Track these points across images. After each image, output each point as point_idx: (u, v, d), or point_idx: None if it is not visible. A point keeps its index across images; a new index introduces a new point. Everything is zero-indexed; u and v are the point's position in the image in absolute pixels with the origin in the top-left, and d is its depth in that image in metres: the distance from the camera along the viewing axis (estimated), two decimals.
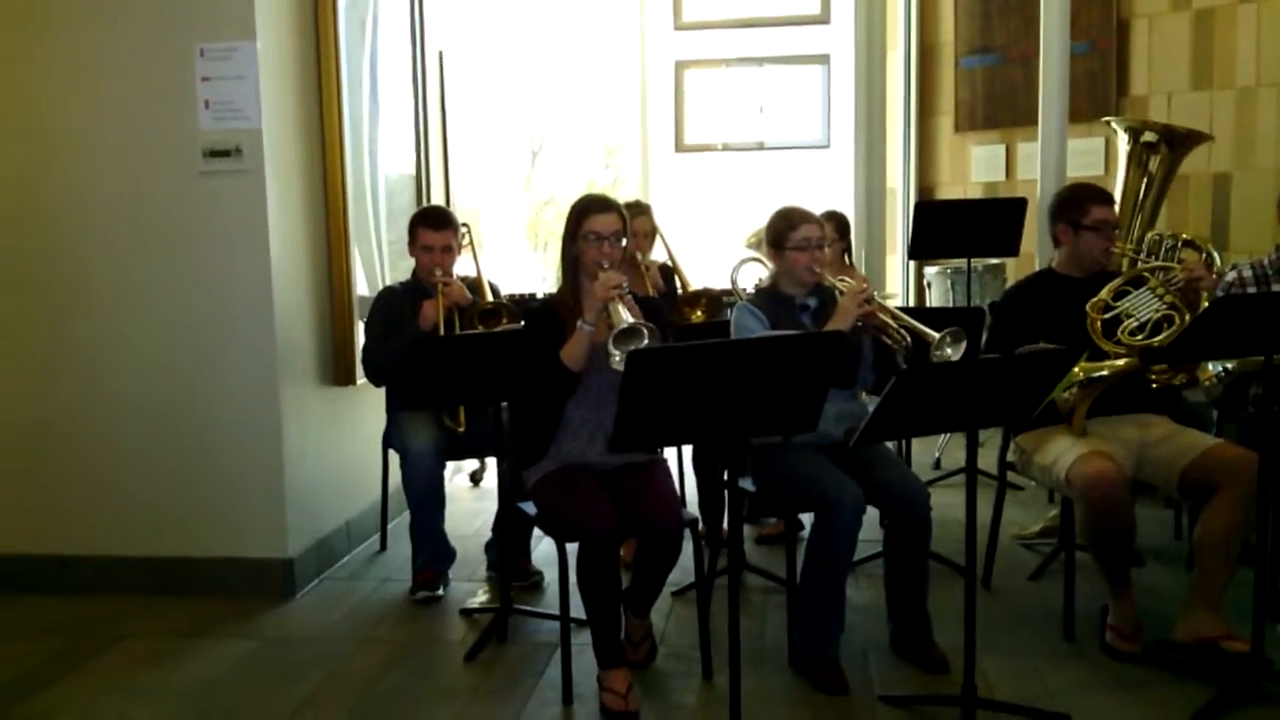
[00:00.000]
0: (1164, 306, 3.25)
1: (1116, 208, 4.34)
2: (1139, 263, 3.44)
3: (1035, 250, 5.13)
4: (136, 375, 3.94)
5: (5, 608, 3.90)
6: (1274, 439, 2.94)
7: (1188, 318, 3.18)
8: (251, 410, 3.90)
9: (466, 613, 3.76)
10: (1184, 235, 3.89)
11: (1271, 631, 3.13)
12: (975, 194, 6.53)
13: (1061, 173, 4.98)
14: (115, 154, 3.85)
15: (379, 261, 4.68)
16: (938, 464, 5.41)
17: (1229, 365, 3.59)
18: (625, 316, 2.88)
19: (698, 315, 4.47)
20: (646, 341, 2.79)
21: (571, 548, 3.03)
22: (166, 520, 3.98)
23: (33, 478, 4.05)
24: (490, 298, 4.09)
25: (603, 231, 3.12)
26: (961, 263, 5.40)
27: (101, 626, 3.70)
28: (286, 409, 3.93)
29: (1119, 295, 3.32)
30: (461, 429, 3.92)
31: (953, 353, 2.97)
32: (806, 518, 3.31)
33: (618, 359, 2.82)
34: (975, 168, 6.63)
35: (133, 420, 3.96)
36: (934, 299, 6.03)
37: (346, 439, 4.42)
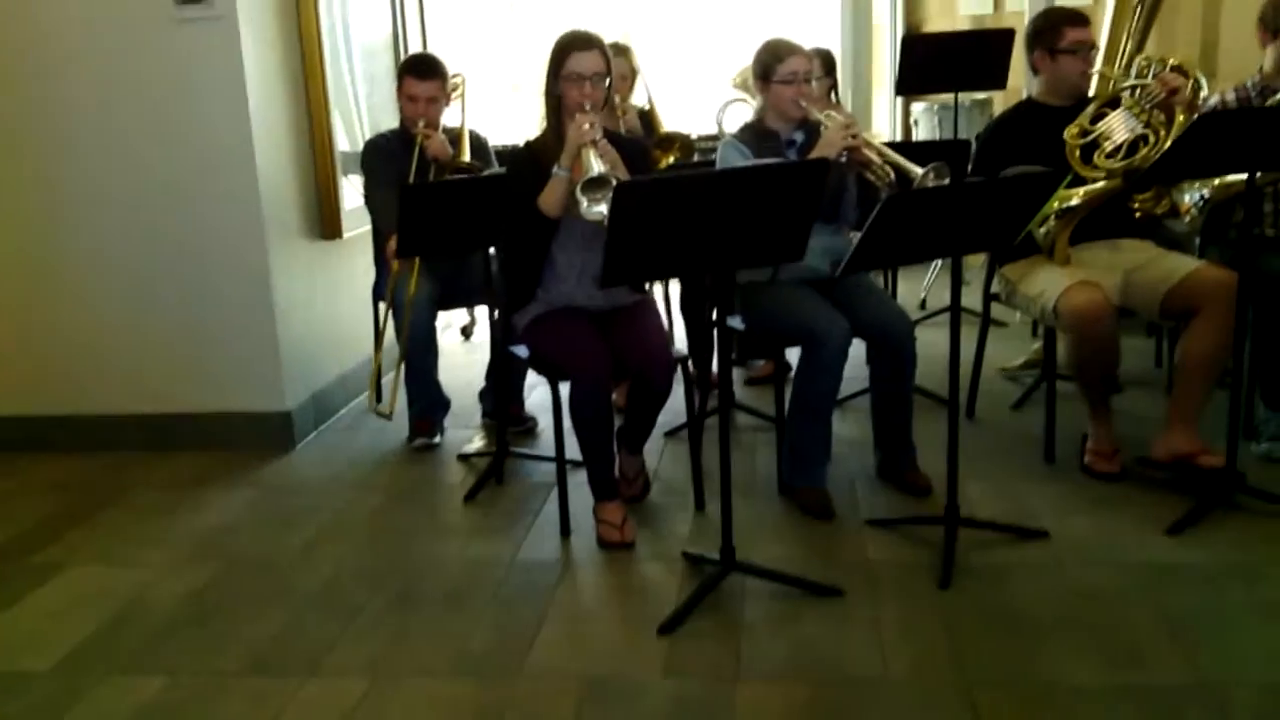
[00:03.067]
0: (1140, 125, 3.24)
1: (1105, 33, 4.28)
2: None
3: (1023, 83, 5.07)
4: (121, 232, 3.93)
5: (7, 467, 3.97)
6: (1253, 260, 2.97)
7: (1163, 134, 3.17)
8: (241, 265, 3.90)
9: (464, 458, 3.84)
10: (1172, 60, 3.83)
11: (1245, 447, 3.22)
12: (963, 28, 6.39)
13: (1050, 2, 4.88)
14: (86, 1, 3.75)
15: (358, 122, 4.60)
16: (923, 304, 5.46)
17: (1205, 193, 3.59)
18: (595, 165, 2.84)
19: (670, 159, 4.42)
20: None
21: (564, 392, 3.08)
22: (163, 377, 4.02)
23: (25, 339, 4.08)
24: (468, 155, 4.04)
25: (584, 71, 3.06)
26: (949, 98, 5.34)
27: (105, 481, 3.79)
28: (275, 264, 3.93)
29: (1096, 119, 3.30)
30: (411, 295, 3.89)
31: None
32: (793, 360, 3.36)
33: (585, 206, 2.82)
34: (962, 1, 6.47)
35: (122, 277, 3.96)
36: (921, 135, 5.97)
37: (336, 293, 4.43)
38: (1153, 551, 2.84)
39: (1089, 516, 3.07)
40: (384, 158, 3.96)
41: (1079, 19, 3.44)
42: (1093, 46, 3.46)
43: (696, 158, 4.48)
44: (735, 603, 2.68)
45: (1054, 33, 3.40)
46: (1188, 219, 3.41)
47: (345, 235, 4.32)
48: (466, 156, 4.00)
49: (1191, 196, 3.34)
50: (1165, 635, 2.44)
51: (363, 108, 4.65)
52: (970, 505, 3.16)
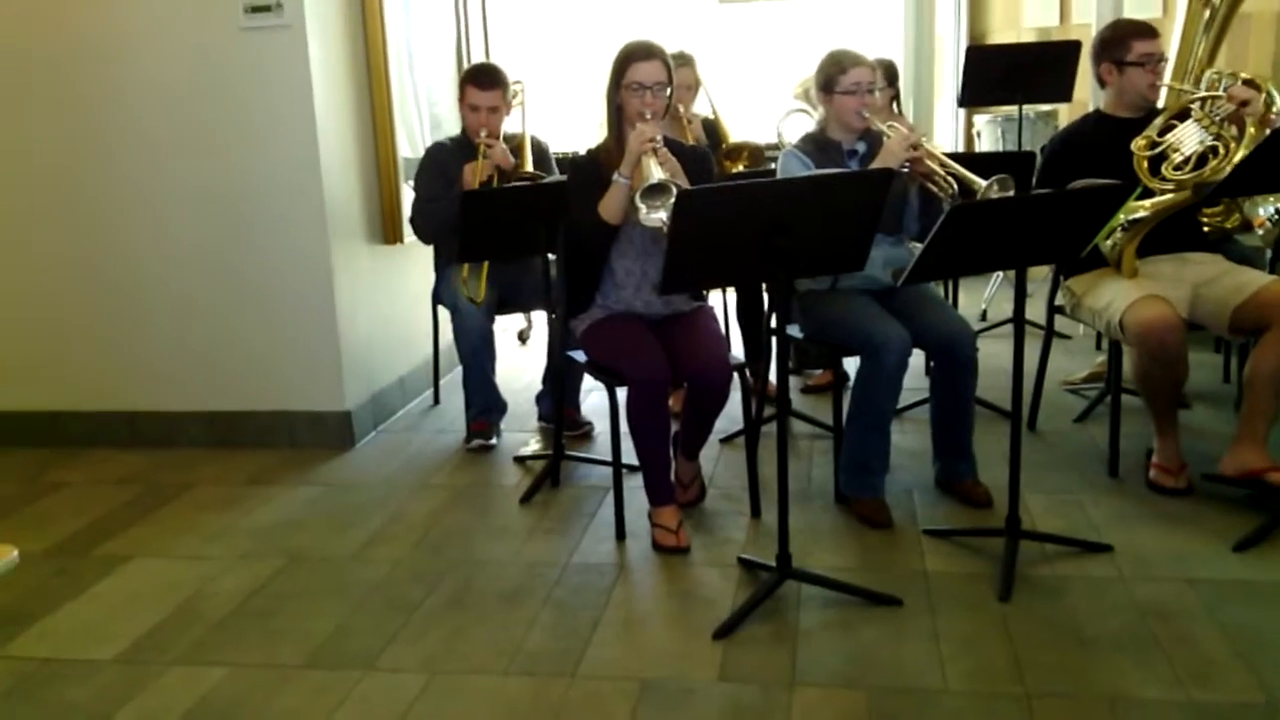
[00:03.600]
0: (1209, 138, 3.18)
1: (1175, 46, 4.22)
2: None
3: (1089, 96, 5.01)
4: (190, 233, 4.01)
5: (76, 461, 4.08)
6: None
7: (1233, 147, 3.12)
8: (304, 268, 3.97)
9: (520, 460, 3.87)
10: (1243, 75, 3.77)
11: None
12: (1028, 39, 6.33)
13: (1116, 15, 4.82)
14: (156, 10, 3.84)
15: (420, 128, 4.66)
16: (984, 315, 5.41)
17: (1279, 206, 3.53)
18: (655, 172, 2.86)
19: (738, 168, 4.44)
20: (674, 199, 2.79)
21: (621, 395, 3.09)
22: (227, 375, 4.10)
23: (93, 337, 4.17)
24: (531, 158, 4.08)
25: (645, 81, 3.08)
26: (1012, 110, 5.29)
27: (170, 477, 3.87)
28: (338, 267, 3.99)
29: (1165, 131, 3.25)
30: (480, 300, 3.94)
31: None
32: (851, 371, 3.34)
33: (644, 212, 2.84)
34: (1027, 12, 6.40)
35: (190, 278, 4.05)
36: (984, 147, 5.92)
37: (397, 297, 4.49)
38: (1220, 568, 2.78)
39: (1154, 532, 3.01)
40: (436, 167, 4.01)
41: (1147, 31, 3.40)
42: (1161, 58, 3.42)
43: (763, 167, 4.48)
44: (791, 610, 2.67)
45: (1121, 45, 3.37)
46: (1261, 232, 3.35)
47: (406, 240, 4.38)
48: (529, 164, 4.04)
49: (1266, 210, 3.29)
50: (1231, 652, 2.39)
51: (425, 115, 4.71)
52: (1031, 517, 3.13)
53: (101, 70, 3.93)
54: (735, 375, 3.15)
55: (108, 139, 3.99)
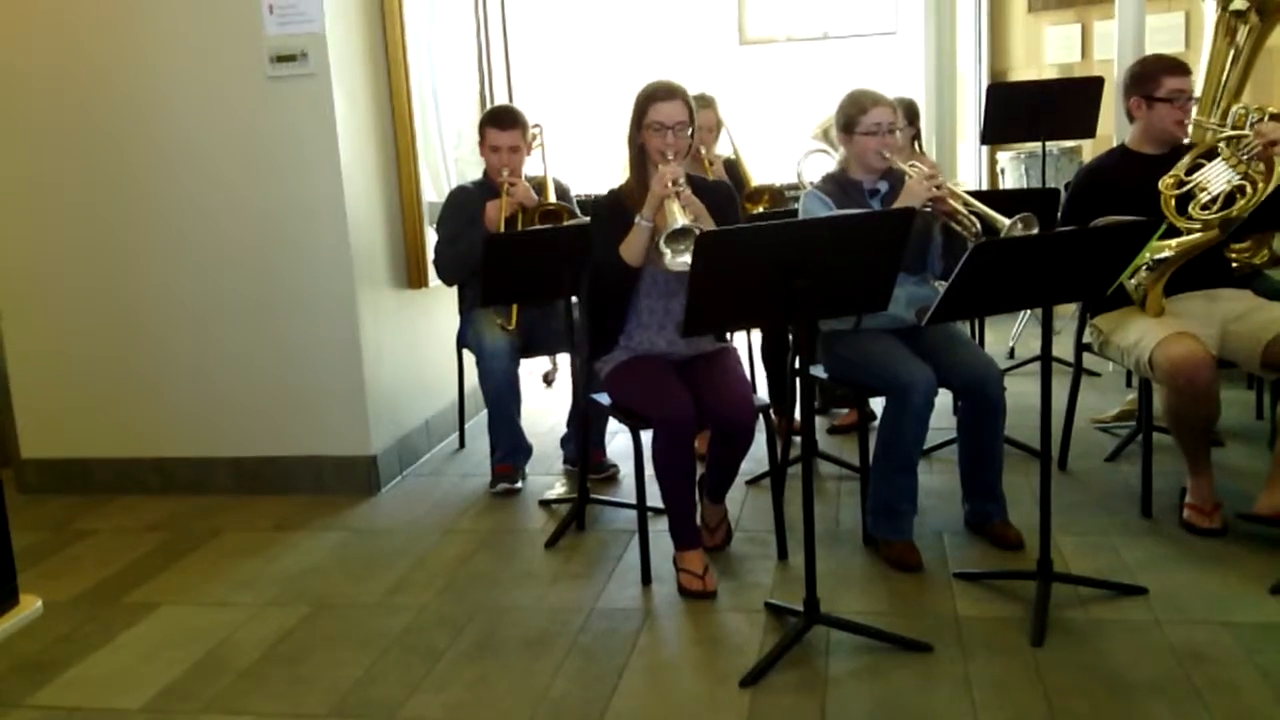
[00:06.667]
0: (1237, 177, 3.16)
1: (1200, 80, 4.20)
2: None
3: (1112, 131, 4.99)
4: (217, 280, 4.05)
5: (105, 508, 4.10)
6: None
7: (1261, 185, 3.10)
8: (331, 313, 3.99)
9: (545, 504, 3.85)
10: (1270, 109, 3.75)
11: None
12: (1049, 76, 6.33)
13: (1139, 51, 4.81)
14: (186, 60, 3.90)
15: (445, 173, 4.70)
16: (1012, 353, 5.37)
17: None
18: (678, 217, 2.86)
19: (758, 209, 4.44)
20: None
21: (646, 438, 3.07)
22: (254, 421, 4.12)
23: (120, 383, 4.20)
24: (553, 198, 4.11)
25: (666, 121, 3.09)
26: (1036, 147, 5.28)
27: (197, 523, 3.87)
28: (363, 311, 4.01)
29: (1192, 170, 3.24)
30: (512, 326, 3.98)
31: None
32: (877, 409, 3.32)
33: (669, 257, 2.83)
34: (1049, 49, 6.41)
35: (217, 324, 4.08)
36: (1008, 184, 5.91)
37: (422, 341, 4.51)
38: (1257, 611, 2.72)
39: (1189, 574, 2.95)
40: (458, 208, 4.05)
41: (1179, 68, 3.39)
42: (1191, 97, 3.41)
43: (784, 207, 4.49)
44: (819, 656, 2.63)
45: (1152, 81, 3.36)
46: None
47: (431, 284, 4.40)
48: (552, 197, 4.08)
49: None
50: (1272, 698, 2.34)
51: (449, 160, 4.75)
52: (1064, 559, 3.08)
53: (132, 120, 3.99)
54: (760, 417, 3.13)
55: (137, 186, 4.04)
